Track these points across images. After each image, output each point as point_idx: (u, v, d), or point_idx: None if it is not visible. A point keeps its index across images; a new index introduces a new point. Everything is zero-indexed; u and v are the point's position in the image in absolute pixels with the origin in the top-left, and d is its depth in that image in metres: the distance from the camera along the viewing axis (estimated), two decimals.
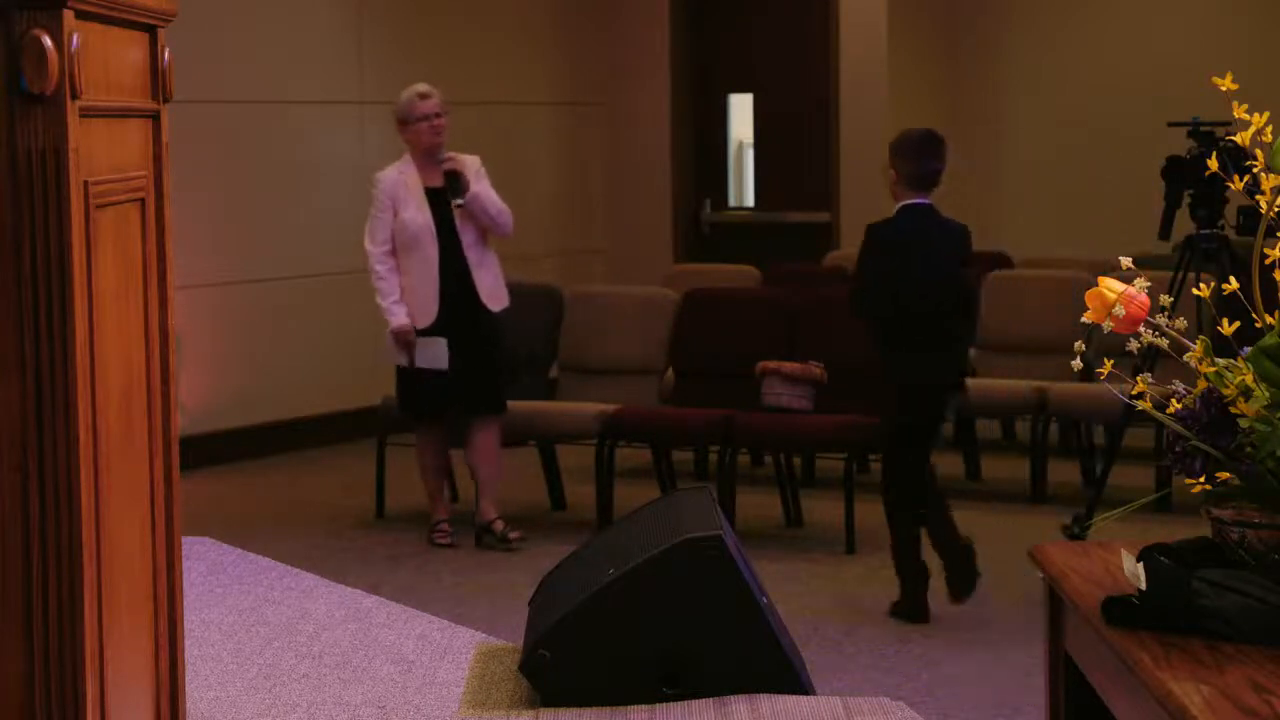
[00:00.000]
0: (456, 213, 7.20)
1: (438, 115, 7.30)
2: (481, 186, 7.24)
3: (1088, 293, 2.70)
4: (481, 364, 7.27)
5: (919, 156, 6.36)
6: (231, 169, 9.18)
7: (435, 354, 7.16)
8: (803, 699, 4.86)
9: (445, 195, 7.20)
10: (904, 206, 6.38)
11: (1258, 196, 2.60)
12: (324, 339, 9.66)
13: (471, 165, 7.29)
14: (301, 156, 9.65)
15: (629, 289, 8.83)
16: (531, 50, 11.01)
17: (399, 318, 7.17)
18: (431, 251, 7.19)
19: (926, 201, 6.35)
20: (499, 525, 7.30)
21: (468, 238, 7.23)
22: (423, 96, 7.33)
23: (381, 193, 7.27)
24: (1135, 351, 2.71)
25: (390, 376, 7.63)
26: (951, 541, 6.18)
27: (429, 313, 7.18)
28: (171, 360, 3.13)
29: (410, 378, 7.27)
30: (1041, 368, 8.11)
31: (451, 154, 7.24)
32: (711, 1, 11.49)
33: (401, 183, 7.26)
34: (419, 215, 7.21)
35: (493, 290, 7.28)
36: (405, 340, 7.18)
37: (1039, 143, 11.29)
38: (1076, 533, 6.32)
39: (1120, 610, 2.56)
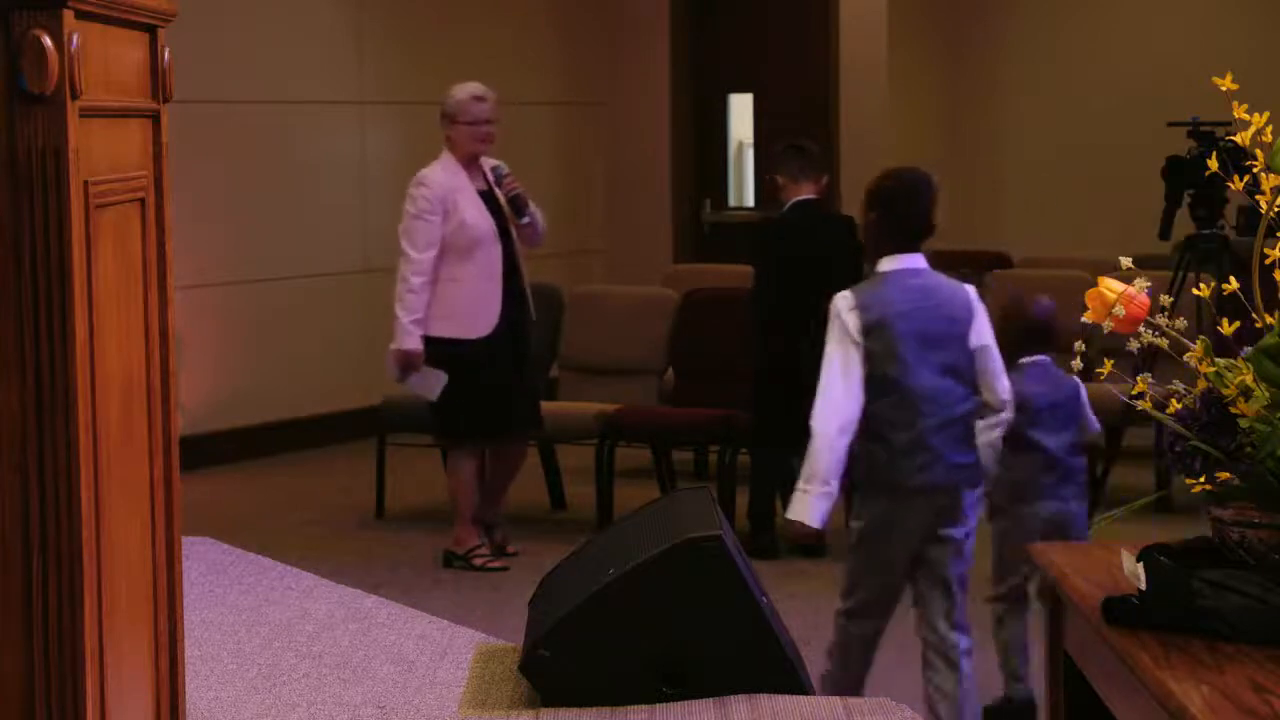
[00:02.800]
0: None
1: (489, 122, 6.89)
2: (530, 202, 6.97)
3: (1088, 293, 2.70)
4: (529, 376, 7.07)
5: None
6: (231, 169, 9.18)
7: (431, 384, 6.80)
8: (803, 699, 4.85)
9: (493, 199, 6.89)
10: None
11: (1258, 196, 2.60)
12: (324, 339, 9.66)
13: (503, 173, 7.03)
14: (301, 156, 9.65)
15: (629, 289, 8.83)
16: (531, 50, 11.01)
17: (415, 341, 6.73)
18: (496, 256, 6.80)
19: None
20: (500, 535, 7.17)
21: (518, 246, 6.94)
22: (478, 99, 6.89)
23: (432, 195, 6.78)
24: (1135, 351, 2.71)
25: (388, 379, 7.60)
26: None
27: (491, 320, 6.82)
28: (171, 360, 3.13)
29: (473, 395, 6.81)
30: None
31: (508, 171, 6.93)
32: (711, 1, 11.49)
33: (454, 185, 6.82)
34: (482, 219, 6.81)
35: (529, 297, 7.04)
36: (413, 364, 6.78)
37: (1039, 143, 11.29)
38: None
39: (1120, 610, 2.57)
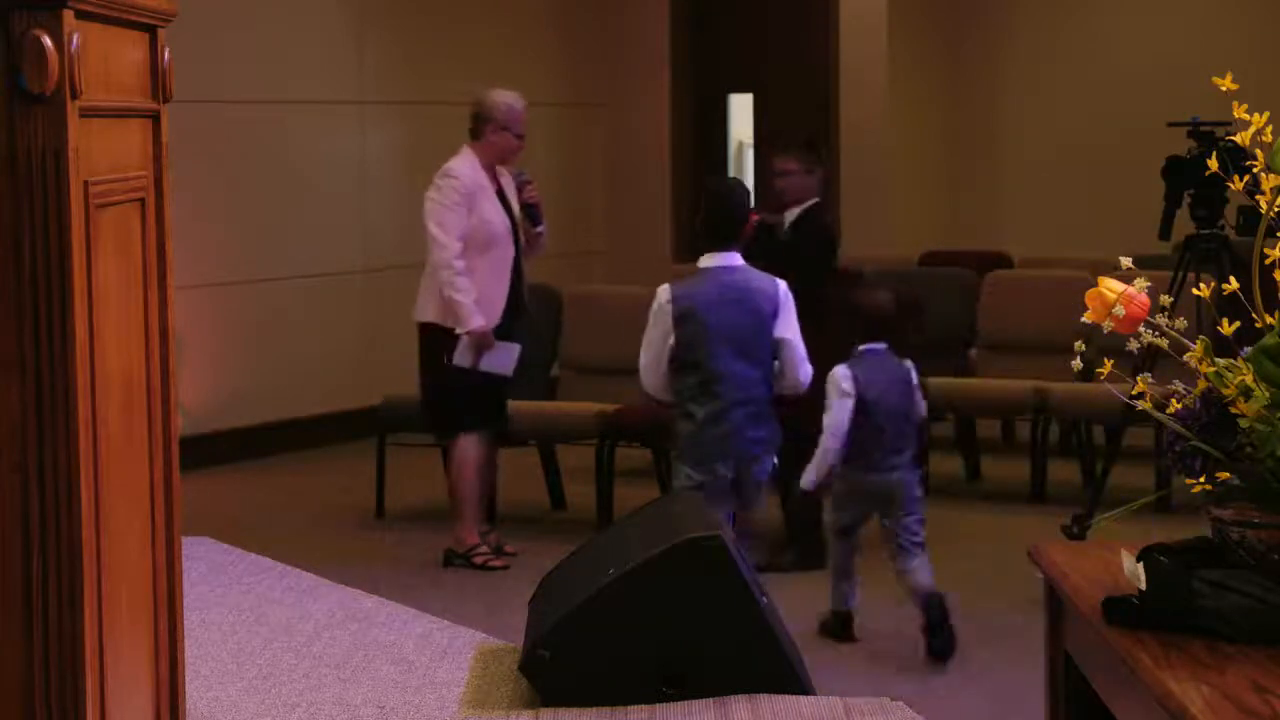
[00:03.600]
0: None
1: (523, 135, 7.09)
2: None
3: (1088, 293, 2.70)
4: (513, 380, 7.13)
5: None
6: (231, 169, 9.18)
7: (505, 359, 6.91)
8: (803, 699, 4.86)
9: (506, 200, 7.02)
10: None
11: (1258, 196, 2.60)
12: (324, 339, 9.66)
13: (508, 180, 7.13)
14: (301, 156, 9.65)
15: (629, 289, 8.82)
16: (531, 50, 11.01)
17: (480, 319, 6.80)
18: (509, 255, 6.96)
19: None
20: (494, 537, 7.17)
21: (523, 246, 7.10)
22: (524, 109, 7.09)
23: (463, 188, 6.89)
24: (1135, 351, 2.71)
25: (390, 377, 7.63)
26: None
27: (495, 314, 6.91)
28: (171, 360, 3.13)
29: (478, 382, 6.88)
30: (1041, 368, 8.11)
31: (530, 178, 7.10)
32: (711, 1, 11.49)
33: (478, 182, 6.96)
34: (499, 217, 6.96)
35: (528, 303, 7.16)
36: (485, 343, 6.85)
37: (1039, 143, 11.30)
38: (1076, 533, 6.32)
39: (1120, 610, 2.57)
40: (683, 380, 5.58)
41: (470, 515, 7.00)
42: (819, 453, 5.74)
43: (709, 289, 5.57)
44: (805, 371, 5.62)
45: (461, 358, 6.86)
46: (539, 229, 7.10)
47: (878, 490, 5.84)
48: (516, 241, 7.03)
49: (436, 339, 6.90)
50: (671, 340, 5.55)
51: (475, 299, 6.81)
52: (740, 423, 5.58)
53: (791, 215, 7.11)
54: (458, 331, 6.83)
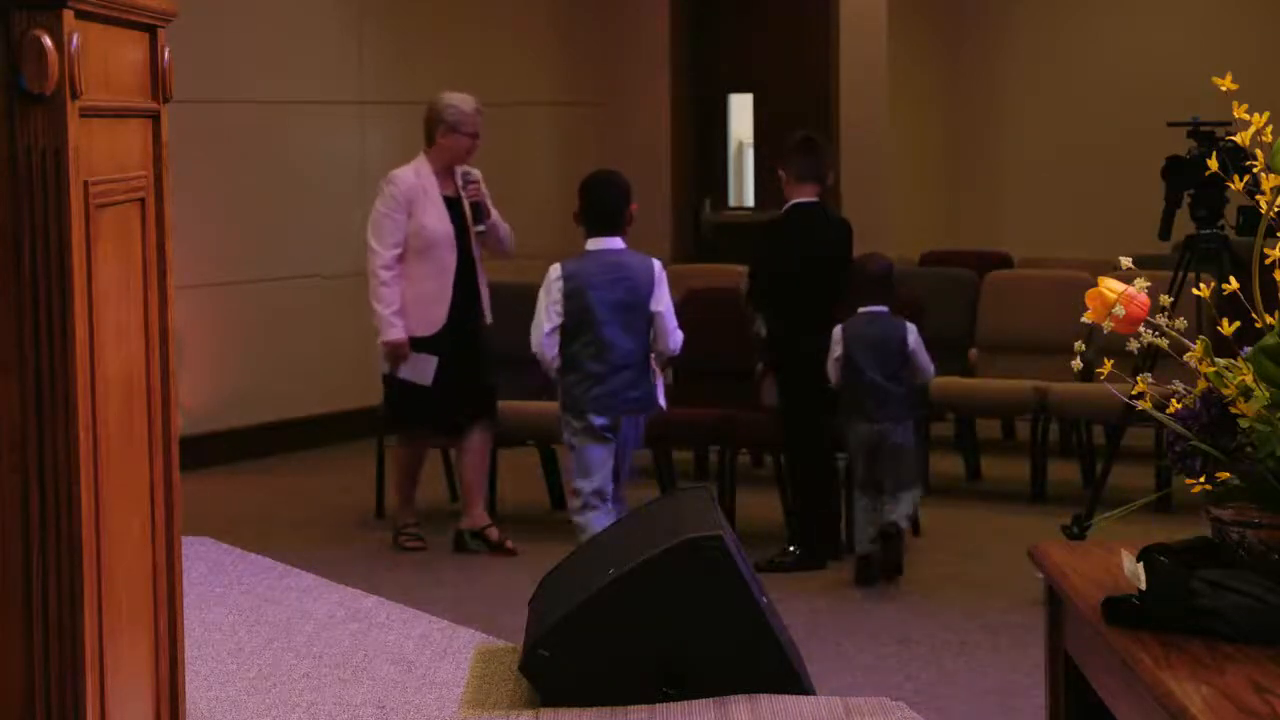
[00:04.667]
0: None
1: (477, 135, 7.18)
2: (494, 211, 7.24)
3: (1088, 293, 2.70)
4: (481, 374, 7.25)
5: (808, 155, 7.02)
6: (231, 169, 9.18)
7: (423, 369, 7.09)
8: (803, 699, 4.86)
9: (459, 205, 7.14)
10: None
11: (1258, 196, 2.60)
12: (324, 339, 9.66)
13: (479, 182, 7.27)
14: (301, 156, 9.65)
15: None
16: (531, 50, 11.01)
17: (399, 331, 7.02)
18: (450, 260, 7.09)
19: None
20: (493, 532, 7.25)
21: (477, 251, 7.20)
22: (479, 112, 7.20)
23: (399, 194, 7.06)
24: (1135, 351, 2.71)
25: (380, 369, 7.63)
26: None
27: (437, 320, 7.09)
28: (171, 360, 3.13)
29: (405, 385, 7.15)
30: (1041, 368, 8.11)
31: (476, 179, 7.17)
32: (711, 1, 11.49)
33: (420, 187, 7.09)
34: (440, 223, 7.09)
35: (488, 303, 7.28)
36: (400, 354, 7.08)
37: (1039, 143, 11.29)
38: (1076, 533, 6.32)
39: (1120, 610, 2.57)
40: (570, 346, 6.28)
41: (403, 497, 7.40)
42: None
43: (594, 268, 6.30)
44: (675, 339, 6.35)
45: (382, 365, 7.19)
46: (480, 228, 7.17)
47: (869, 438, 6.61)
48: (466, 245, 7.14)
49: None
50: (560, 311, 6.25)
51: (398, 310, 7.02)
52: (619, 385, 6.26)
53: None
54: (379, 340, 7.11)
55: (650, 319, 6.30)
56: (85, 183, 2.61)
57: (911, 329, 6.74)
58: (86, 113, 2.61)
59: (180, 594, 3.20)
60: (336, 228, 9.78)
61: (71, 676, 2.56)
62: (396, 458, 7.48)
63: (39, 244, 2.52)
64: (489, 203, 7.21)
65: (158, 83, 3.10)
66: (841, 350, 6.63)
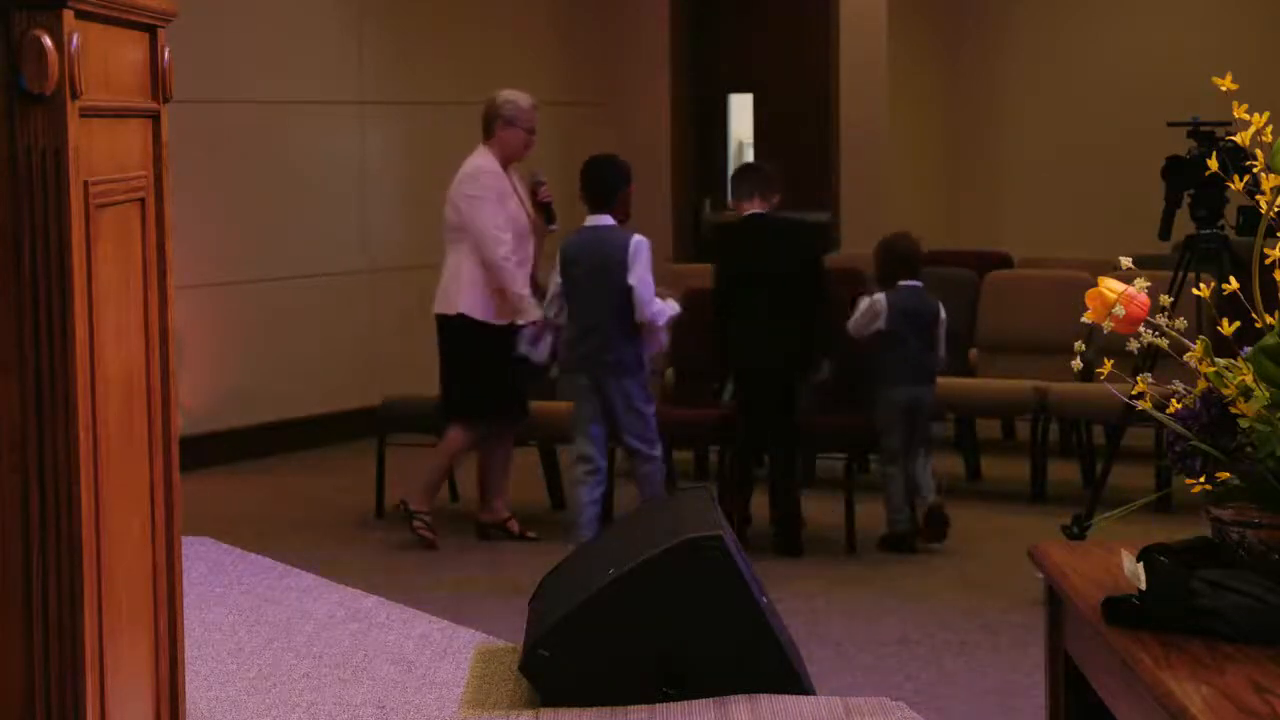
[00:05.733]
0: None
1: (534, 131, 7.31)
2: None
3: (1088, 293, 2.70)
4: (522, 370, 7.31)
5: None
6: (231, 169, 9.18)
7: (543, 350, 7.19)
8: (803, 699, 4.86)
9: (539, 200, 7.30)
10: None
11: (1258, 196, 2.60)
12: (324, 339, 9.65)
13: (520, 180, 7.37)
14: (301, 156, 9.65)
15: None
16: (531, 50, 11.01)
17: (538, 311, 7.08)
18: (531, 250, 7.25)
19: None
20: (514, 524, 7.41)
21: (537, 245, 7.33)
22: (535, 108, 7.32)
23: (494, 184, 7.14)
24: (1135, 351, 2.71)
25: (390, 377, 7.64)
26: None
27: (514, 310, 7.15)
28: (171, 360, 3.13)
29: (507, 374, 7.16)
30: (1041, 368, 8.11)
31: (544, 180, 7.31)
32: (711, 1, 11.49)
33: (503, 179, 7.21)
34: (522, 214, 7.22)
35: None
36: (543, 330, 7.12)
37: (1039, 143, 11.29)
38: (1076, 533, 6.32)
39: (1120, 610, 2.57)
40: (567, 310, 6.89)
41: (433, 482, 7.34)
42: (850, 325, 7.15)
43: (584, 241, 6.88)
44: (652, 310, 6.77)
45: (529, 349, 7.16)
46: (553, 228, 7.31)
47: (906, 400, 7.09)
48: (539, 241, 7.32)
49: (465, 329, 7.12)
50: (559, 280, 6.88)
51: (528, 291, 7.13)
52: (591, 347, 6.80)
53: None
54: (519, 323, 7.11)
55: (629, 290, 6.73)
56: (85, 183, 2.61)
57: (940, 306, 7.25)
58: (86, 113, 2.61)
59: (180, 594, 3.20)
60: (336, 228, 9.79)
61: (71, 676, 2.56)
62: (448, 446, 7.32)
63: (39, 244, 2.52)
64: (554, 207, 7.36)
65: (158, 83, 3.10)
66: (885, 319, 7.05)
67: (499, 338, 7.13)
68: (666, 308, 6.85)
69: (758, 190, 7.34)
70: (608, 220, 6.87)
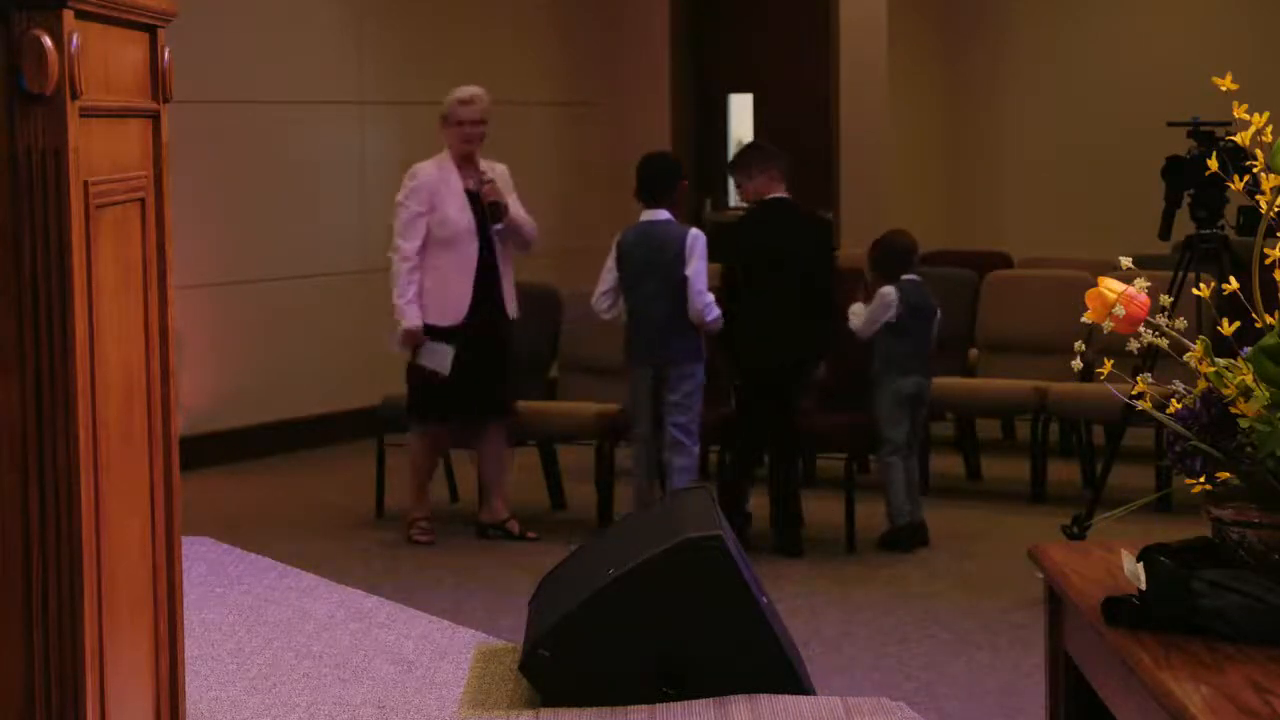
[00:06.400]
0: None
1: (475, 123, 7.28)
2: (514, 205, 7.32)
3: (1088, 293, 2.70)
4: (497, 368, 7.31)
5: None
6: (231, 169, 9.18)
7: (440, 358, 7.18)
8: (803, 699, 4.86)
9: (479, 199, 7.24)
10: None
11: (1258, 196, 2.60)
12: (324, 339, 9.65)
13: (502, 177, 7.36)
14: (301, 156, 9.64)
15: None
16: (531, 50, 11.01)
17: (414, 319, 7.15)
18: (471, 252, 7.21)
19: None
20: (514, 525, 7.39)
21: (499, 245, 7.30)
22: (463, 102, 7.30)
23: (421, 188, 7.23)
24: (1135, 351, 2.71)
25: (390, 376, 7.65)
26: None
27: (459, 311, 7.19)
28: (171, 360, 3.13)
29: (424, 378, 7.23)
30: (1041, 368, 8.11)
31: (491, 179, 7.26)
32: (711, 1, 11.48)
33: (443, 180, 7.24)
34: (462, 216, 7.21)
35: (511, 297, 7.35)
36: (415, 342, 7.19)
37: (1039, 143, 11.29)
38: (1076, 533, 6.32)
39: (1120, 610, 2.57)
40: (625, 303, 7.11)
41: (416, 487, 7.43)
42: (859, 324, 7.21)
43: (640, 234, 7.10)
44: (701, 300, 6.96)
45: (394, 347, 7.30)
46: (497, 228, 7.26)
47: (911, 391, 7.19)
48: (488, 241, 7.25)
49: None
50: (613, 273, 7.09)
51: (413, 298, 7.15)
52: (648, 337, 7.04)
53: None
54: (399, 328, 7.23)
55: (684, 281, 6.94)
56: (85, 183, 2.61)
57: (938, 309, 7.42)
58: (86, 113, 2.61)
59: (180, 594, 3.20)
60: (336, 228, 9.78)
61: (71, 676, 2.56)
62: (410, 450, 7.50)
63: (39, 244, 2.52)
64: (509, 200, 7.30)
65: (158, 83, 3.10)
66: (895, 311, 7.14)
67: (440, 340, 7.19)
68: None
69: (773, 168, 7.27)
70: (661, 214, 7.08)
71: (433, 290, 7.20)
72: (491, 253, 7.26)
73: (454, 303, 7.18)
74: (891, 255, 7.30)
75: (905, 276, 7.23)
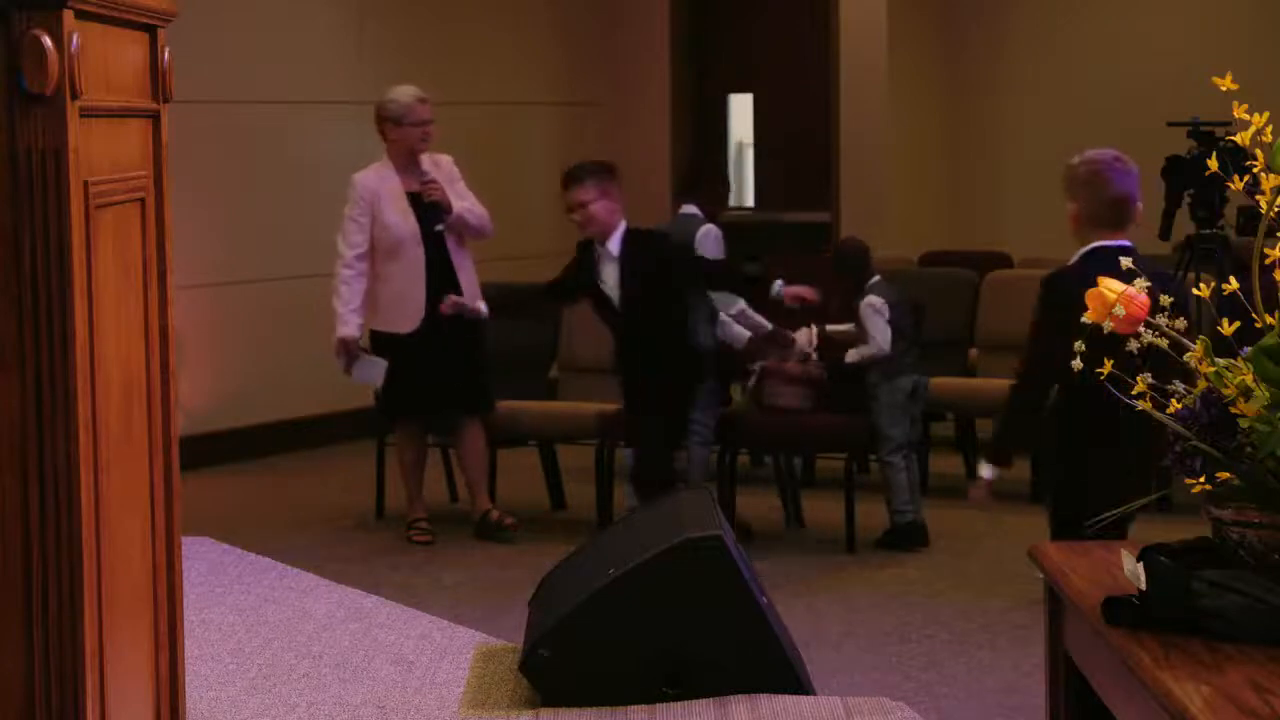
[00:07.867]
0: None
1: (430, 121, 7.27)
2: (460, 199, 7.25)
3: (1088, 293, 2.70)
4: (468, 364, 7.29)
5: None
6: (231, 169, 9.18)
7: (373, 373, 7.21)
8: (803, 699, 4.86)
9: (425, 199, 7.20)
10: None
11: (1258, 196, 2.60)
12: (324, 339, 9.58)
13: (445, 168, 7.31)
14: (301, 156, 9.64)
15: None
16: (531, 50, 11.01)
17: (350, 328, 7.15)
18: (417, 256, 7.18)
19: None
20: (495, 515, 7.39)
21: (451, 241, 7.26)
22: (421, 101, 7.26)
23: (359, 196, 7.22)
24: (1135, 351, 2.71)
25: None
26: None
27: (415, 317, 7.18)
28: (171, 360, 3.13)
29: (393, 379, 7.22)
30: None
31: (432, 179, 7.20)
32: (711, 1, 11.49)
33: (382, 187, 7.21)
34: (403, 221, 7.18)
35: (472, 290, 7.30)
36: (348, 351, 7.17)
37: (1039, 143, 11.28)
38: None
39: (1120, 610, 2.57)
40: None
41: (411, 489, 7.47)
42: (868, 352, 7.18)
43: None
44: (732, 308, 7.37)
45: (336, 362, 7.27)
46: (438, 228, 7.22)
47: (908, 387, 7.22)
48: (438, 241, 7.22)
49: (375, 342, 7.30)
50: None
51: (354, 308, 7.17)
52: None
53: (614, 242, 7.10)
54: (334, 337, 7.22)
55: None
56: (85, 183, 2.61)
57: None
58: (86, 113, 2.61)
59: (180, 594, 3.20)
60: (336, 228, 9.76)
61: (71, 676, 2.56)
62: (397, 453, 7.54)
63: (39, 244, 2.52)
64: (456, 189, 7.26)
65: (158, 83, 3.10)
66: (886, 314, 7.19)
67: (393, 344, 7.21)
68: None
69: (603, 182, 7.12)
70: (692, 209, 7.59)
71: (387, 299, 7.21)
72: (442, 252, 7.22)
73: (410, 308, 7.17)
74: (856, 257, 7.35)
75: (871, 280, 7.27)
